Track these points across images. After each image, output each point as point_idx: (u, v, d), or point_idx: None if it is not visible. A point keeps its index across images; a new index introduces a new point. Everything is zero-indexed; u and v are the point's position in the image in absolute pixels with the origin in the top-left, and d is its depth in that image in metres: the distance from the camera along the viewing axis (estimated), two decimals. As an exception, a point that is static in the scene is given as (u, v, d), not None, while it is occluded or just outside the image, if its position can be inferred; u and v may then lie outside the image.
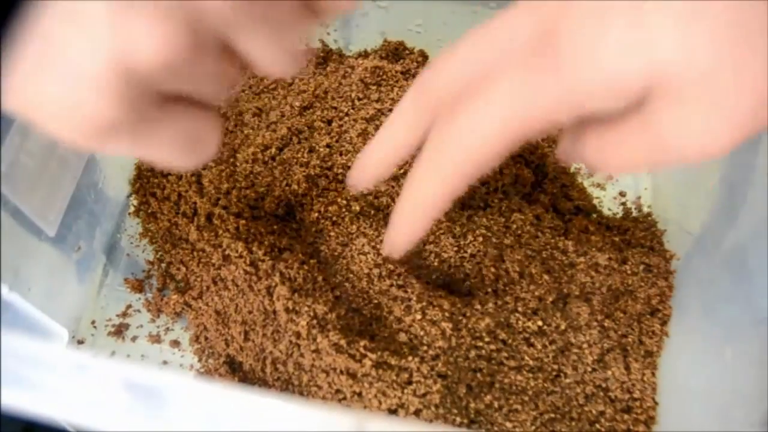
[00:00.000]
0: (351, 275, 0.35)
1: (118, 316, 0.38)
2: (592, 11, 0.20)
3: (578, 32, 0.20)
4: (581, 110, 0.21)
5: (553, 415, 0.33)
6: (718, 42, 0.19)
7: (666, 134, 0.21)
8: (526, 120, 0.22)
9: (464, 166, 0.23)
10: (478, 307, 0.34)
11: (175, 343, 0.37)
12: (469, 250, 0.35)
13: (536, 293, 0.35)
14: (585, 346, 0.34)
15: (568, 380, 0.33)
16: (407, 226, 0.26)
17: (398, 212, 0.26)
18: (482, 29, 0.23)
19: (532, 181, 0.38)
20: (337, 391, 0.32)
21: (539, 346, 0.34)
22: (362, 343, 0.32)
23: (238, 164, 0.38)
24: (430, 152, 0.24)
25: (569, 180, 0.40)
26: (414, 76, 0.41)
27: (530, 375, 0.33)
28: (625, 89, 0.20)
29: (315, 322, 0.32)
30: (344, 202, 0.36)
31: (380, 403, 0.31)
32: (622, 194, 0.42)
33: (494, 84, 0.22)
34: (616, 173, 0.24)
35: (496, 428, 0.32)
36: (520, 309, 0.34)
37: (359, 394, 0.32)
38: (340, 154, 0.38)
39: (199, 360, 0.36)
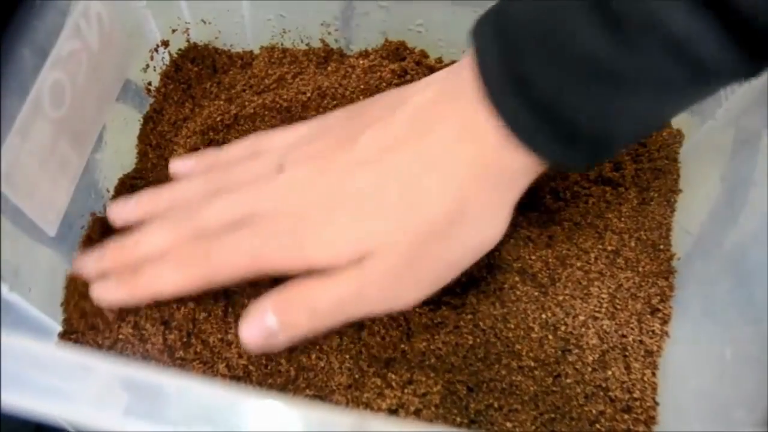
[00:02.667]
0: None
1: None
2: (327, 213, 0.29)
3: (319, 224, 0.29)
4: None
5: (553, 415, 0.33)
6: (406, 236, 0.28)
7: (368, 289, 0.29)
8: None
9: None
10: (477, 306, 0.34)
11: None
12: None
13: (535, 293, 0.35)
14: (585, 346, 0.34)
15: (568, 380, 0.33)
16: (132, 296, 0.32)
17: (134, 279, 0.32)
18: None
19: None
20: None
21: (539, 347, 0.34)
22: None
23: None
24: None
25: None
26: (412, 76, 0.41)
27: (530, 375, 0.33)
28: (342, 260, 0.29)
29: None
30: None
31: (380, 403, 0.31)
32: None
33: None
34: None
35: (496, 428, 0.32)
36: (520, 309, 0.34)
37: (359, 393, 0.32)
38: None
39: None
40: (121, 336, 0.33)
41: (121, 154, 0.41)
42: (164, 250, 0.31)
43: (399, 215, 0.28)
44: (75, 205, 0.36)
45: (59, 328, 0.35)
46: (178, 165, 0.36)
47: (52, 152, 0.33)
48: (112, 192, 0.39)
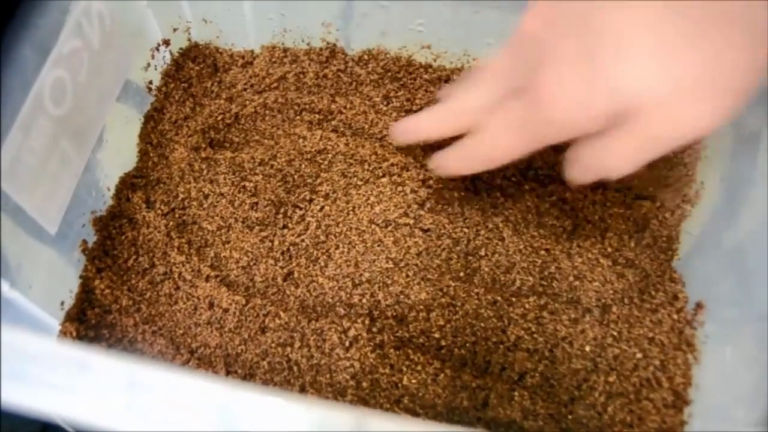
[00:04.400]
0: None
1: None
2: (563, 58, 0.26)
3: (552, 77, 0.26)
4: (565, 135, 0.27)
5: (565, 398, 0.33)
6: (672, 72, 0.24)
7: (654, 133, 0.26)
8: (526, 141, 0.29)
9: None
10: (478, 291, 0.35)
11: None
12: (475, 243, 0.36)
13: (541, 300, 0.35)
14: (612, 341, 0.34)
15: (578, 367, 0.34)
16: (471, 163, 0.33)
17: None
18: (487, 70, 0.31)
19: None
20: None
21: (543, 339, 0.34)
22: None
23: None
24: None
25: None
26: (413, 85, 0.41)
27: (538, 361, 0.34)
28: (594, 118, 0.26)
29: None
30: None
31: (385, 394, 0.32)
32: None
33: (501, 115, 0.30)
34: (614, 176, 0.28)
35: (503, 411, 0.32)
36: (524, 304, 0.35)
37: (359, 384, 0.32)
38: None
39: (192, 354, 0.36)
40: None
41: (122, 152, 0.41)
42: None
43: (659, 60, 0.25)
44: (76, 204, 0.36)
45: (59, 326, 0.35)
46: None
47: (53, 150, 0.33)
48: (112, 191, 0.39)
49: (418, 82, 0.43)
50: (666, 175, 0.39)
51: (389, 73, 0.43)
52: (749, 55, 0.24)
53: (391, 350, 0.33)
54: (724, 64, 0.24)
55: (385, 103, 0.42)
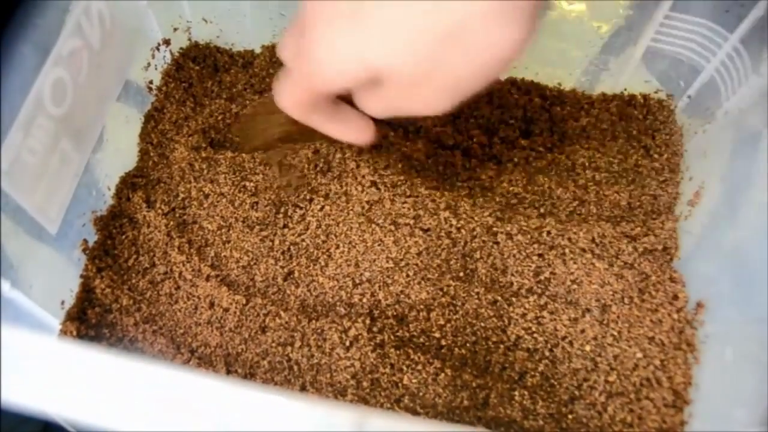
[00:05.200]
0: None
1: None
2: (325, 26, 0.27)
3: (315, 41, 0.28)
4: (328, 89, 0.29)
5: (565, 398, 0.33)
6: (414, 50, 0.26)
7: (395, 102, 0.29)
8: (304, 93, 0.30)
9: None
10: (478, 290, 0.35)
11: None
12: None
13: (540, 300, 0.35)
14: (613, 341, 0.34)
15: (577, 366, 0.34)
16: None
17: None
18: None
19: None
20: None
21: (543, 339, 0.34)
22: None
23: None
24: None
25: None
26: None
27: (538, 361, 0.34)
28: (350, 80, 0.28)
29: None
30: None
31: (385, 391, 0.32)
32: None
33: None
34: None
35: (503, 411, 0.32)
36: (524, 304, 0.35)
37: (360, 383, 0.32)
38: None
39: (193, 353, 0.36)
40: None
41: (122, 152, 0.41)
42: None
43: (410, 26, 0.26)
44: (76, 203, 0.36)
45: (59, 325, 0.35)
46: None
47: (53, 150, 0.33)
48: (113, 190, 0.39)
49: None
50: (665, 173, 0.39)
51: None
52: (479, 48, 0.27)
53: (392, 350, 0.33)
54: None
55: None
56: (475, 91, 0.28)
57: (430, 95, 0.28)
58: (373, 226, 0.37)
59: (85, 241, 0.37)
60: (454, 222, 0.37)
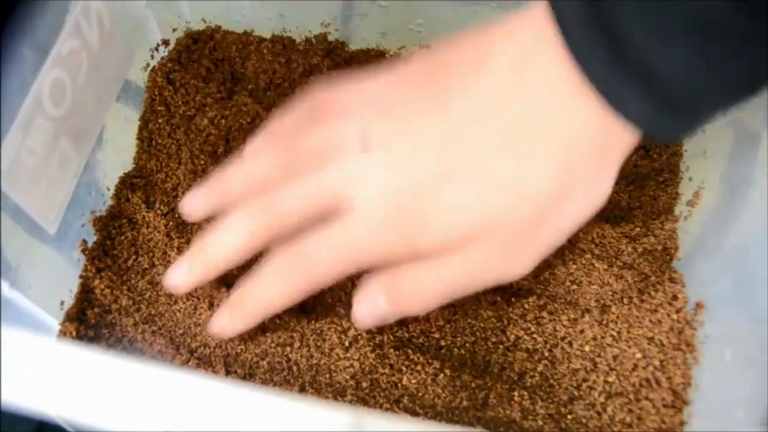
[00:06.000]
0: None
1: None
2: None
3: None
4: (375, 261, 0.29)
5: (565, 398, 0.33)
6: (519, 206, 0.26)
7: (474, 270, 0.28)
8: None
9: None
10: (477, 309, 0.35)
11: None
12: None
13: (540, 301, 0.35)
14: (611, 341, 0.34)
15: (575, 366, 0.34)
16: (247, 320, 0.32)
17: (242, 304, 0.32)
18: None
19: None
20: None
21: (543, 339, 0.34)
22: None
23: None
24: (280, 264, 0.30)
25: None
26: None
27: (537, 361, 0.34)
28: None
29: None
30: None
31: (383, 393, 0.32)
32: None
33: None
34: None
35: (503, 411, 0.32)
36: (523, 304, 0.35)
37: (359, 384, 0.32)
38: None
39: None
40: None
41: (122, 152, 0.41)
42: (247, 248, 0.31)
43: (509, 192, 0.26)
44: (75, 204, 0.36)
45: (58, 325, 0.35)
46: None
47: (52, 150, 0.33)
48: (112, 191, 0.39)
49: None
50: (664, 174, 0.39)
51: None
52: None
53: (391, 350, 0.33)
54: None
55: None
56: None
57: (522, 257, 0.28)
58: None
59: (84, 241, 0.37)
60: None
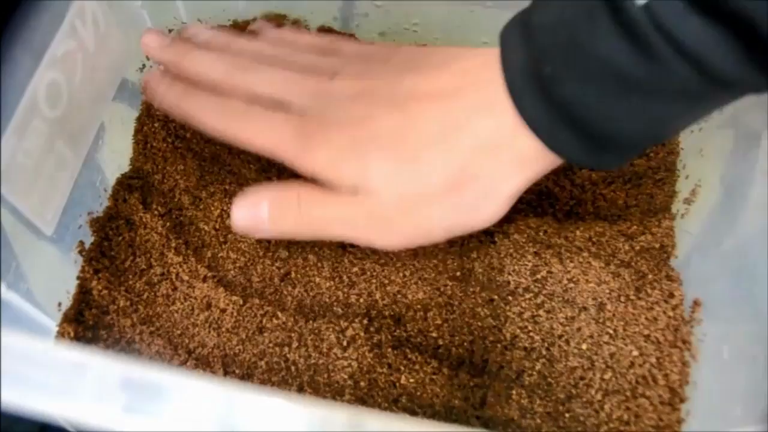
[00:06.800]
0: None
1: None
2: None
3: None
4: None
5: (562, 396, 0.33)
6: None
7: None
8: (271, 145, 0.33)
9: None
10: (474, 290, 0.35)
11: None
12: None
13: (537, 299, 0.35)
14: (608, 338, 0.34)
15: (573, 364, 0.34)
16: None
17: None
18: None
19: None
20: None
21: (540, 338, 0.34)
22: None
23: None
24: None
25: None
26: None
27: (535, 360, 0.34)
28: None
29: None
30: None
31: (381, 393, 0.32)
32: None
33: None
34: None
35: (501, 410, 0.32)
36: (520, 302, 0.35)
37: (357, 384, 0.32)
38: None
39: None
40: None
41: (118, 153, 0.41)
42: (214, 82, 0.34)
43: (405, 166, 0.29)
44: (72, 205, 0.36)
45: (56, 327, 0.35)
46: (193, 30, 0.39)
47: (48, 152, 0.33)
48: (109, 192, 0.39)
49: None
50: (661, 174, 0.39)
51: None
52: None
53: (389, 350, 0.33)
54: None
55: None
56: (423, 245, 0.32)
57: (396, 230, 0.31)
58: None
59: (82, 242, 0.37)
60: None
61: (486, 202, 0.30)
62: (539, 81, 0.26)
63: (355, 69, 0.33)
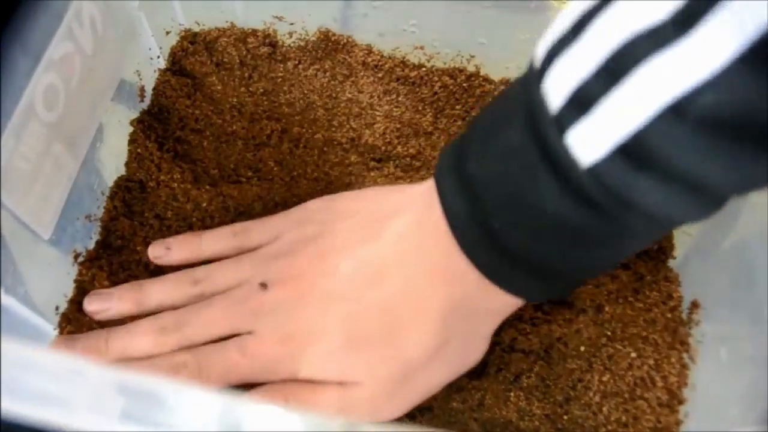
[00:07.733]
0: None
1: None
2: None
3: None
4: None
5: (560, 398, 0.33)
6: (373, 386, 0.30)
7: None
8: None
9: None
10: None
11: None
12: None
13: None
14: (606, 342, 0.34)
15: (571, 366, 0.34)
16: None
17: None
18: None
19: None
20: None
21: (538, 340, 0.34)
22: None
23: None
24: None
25: None
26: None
27: (533, 362, 0.34)
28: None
29: None
30: None
31: None
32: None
33: None
34: None
35: (499, 412, 0.32)
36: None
37: None
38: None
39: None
40: None
41: (116, 156, 0.41)
42: (153, 354, 0.32)
43: (381, 351, 0.29)
44: (70, 208, 0.36)
45: (54, 331, 0.35)
46: (158, 251, 0.36)
47: (46, 155, 0.33)
48: (107, 194, 0.39)
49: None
50: None
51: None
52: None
53: None
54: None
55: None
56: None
57: (390, 408, 0.31)
58: None
59: (80, 245, 0.37)
60: None
61: (472, 347, 0.31)
62: (490, 236, 0.26)
63: (284, 268, 0.32)
